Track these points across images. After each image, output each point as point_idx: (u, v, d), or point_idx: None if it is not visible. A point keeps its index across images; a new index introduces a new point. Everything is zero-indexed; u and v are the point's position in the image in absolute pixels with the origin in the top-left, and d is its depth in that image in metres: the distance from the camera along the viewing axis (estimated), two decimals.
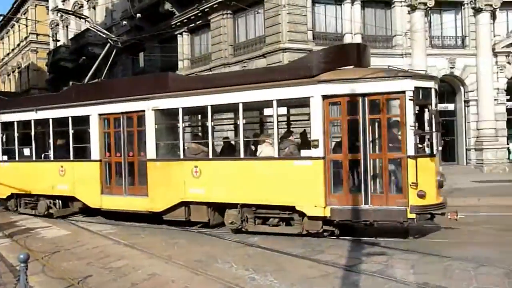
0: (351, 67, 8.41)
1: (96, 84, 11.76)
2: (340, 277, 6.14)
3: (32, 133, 12.01)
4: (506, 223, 9.53)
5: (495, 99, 20.57)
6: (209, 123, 9.29)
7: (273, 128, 8.77)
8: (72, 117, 11.22)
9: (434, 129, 7.84)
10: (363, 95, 7.87)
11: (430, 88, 8.03)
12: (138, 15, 23.66)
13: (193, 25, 22.85)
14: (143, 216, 10.34)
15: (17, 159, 12.55)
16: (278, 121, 8.70)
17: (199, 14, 21.79)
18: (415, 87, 7.71)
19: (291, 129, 10.13)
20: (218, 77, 11.25)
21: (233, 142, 10.60)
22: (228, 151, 10.24)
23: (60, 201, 11.82)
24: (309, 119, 8.29)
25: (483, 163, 19.95)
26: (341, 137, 8.21)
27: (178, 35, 23.58)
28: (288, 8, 18.10)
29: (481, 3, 20.14)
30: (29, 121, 12.09)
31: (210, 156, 9.30)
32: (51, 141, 11.76)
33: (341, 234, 8.41)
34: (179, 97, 9.58)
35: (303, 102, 8.58)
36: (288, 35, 18.26)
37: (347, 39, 19.39)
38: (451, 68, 20.56)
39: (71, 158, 11.25)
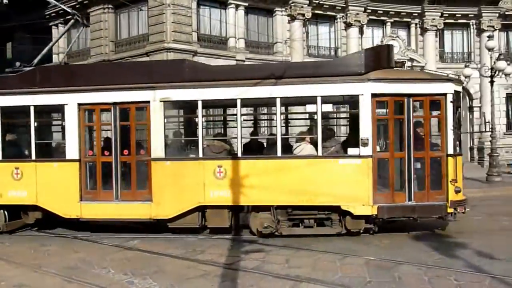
0: (386, 68, 8.49)
1: (74, 67, 10.13)
2: (219, 276, 6.30)
3: None
4: None
5: None
6: (238, 118, 8.53)
7: (314, 126, 8.50)
8: (36, 106, 8.98)
9: (461, 130, 8.37)
10: (409, 95, 8.11)
11: (460, 92, 8.63)
12: (5, 0, 21.37)
13: (69, 17, 21.33)
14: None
15: None
16: (322, 118, 8.36)
17: (77, 6, 20.45)
18: (454, 90, 8.22)
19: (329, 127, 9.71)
20: (249, 68, 10.30)
21: (257, 140, 9.67)
22: (253, 149, 9.08)
23: (6, 212, 9.33)
24: (351, 117, 8.49)
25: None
26: (386, 136, 8.38)
27: (53, 27, 21.87)
28: (172, 8, 17.96)
29: (351, 18, 22.19)
30: None
31: (239, 154, 8.43)
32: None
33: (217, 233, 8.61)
34: (199, 88, 8.49)
35: (350, 100, 8.45)
36: (173, 35, 18.11)
37: (231, 43, 19.90)
38: None
39: (33, 157, 9.02)
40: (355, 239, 8.26)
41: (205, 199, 8.36)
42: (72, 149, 8.80)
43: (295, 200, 8.18)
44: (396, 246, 7.84)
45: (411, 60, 22.93)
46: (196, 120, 8.74)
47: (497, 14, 24.01)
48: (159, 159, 8.51)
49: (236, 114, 8.62)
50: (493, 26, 23.90)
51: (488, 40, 18.44)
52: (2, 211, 9.28)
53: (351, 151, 8.27)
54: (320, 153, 8.22)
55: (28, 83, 9.04)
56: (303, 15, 21.23)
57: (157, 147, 8.52)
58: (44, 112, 9.67)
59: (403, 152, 8.17)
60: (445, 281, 5.85)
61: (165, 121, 8.61)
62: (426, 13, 23.32)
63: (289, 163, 8.34)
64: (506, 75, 17.37)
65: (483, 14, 23.91)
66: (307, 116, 10.26)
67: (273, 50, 21.24)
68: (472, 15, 24.14)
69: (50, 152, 9.63)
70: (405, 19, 23.70)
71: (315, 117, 8.37)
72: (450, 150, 8.17)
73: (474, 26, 24.43)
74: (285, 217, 8.36)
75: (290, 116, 10.17)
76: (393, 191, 8.14)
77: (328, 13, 22.40)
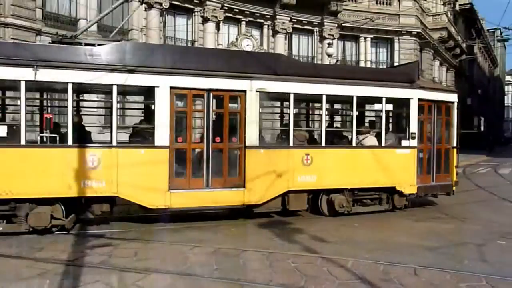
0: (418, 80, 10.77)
1: (166, 47, 10.02)
2: (61, 273, 5.88)
3: (23, 102, 7.55)
4: None
5: None
6: (323, 112, 9.51)
7: (378, 121, 10.39)
8: (119, 85, 7.98)
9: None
10: (436, 101, 10.69)
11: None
12: None
13: None
14: None
15: None
16: (386, 116, 10.15)
17: None
18: (457, 98, 11.24)
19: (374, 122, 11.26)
20: (332, 68, 11.79)
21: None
22: (327, 139, 9.69)
23: (63, 206, 7.88)
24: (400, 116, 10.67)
25: None
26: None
27: None
28: None
29: (208, 13, 22.54)
30: (19, 81, 7.48)
31: (323, 143, 9.47)
32: (69, 114, 7.74)
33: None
34: (291, 81, 9.09)
35: (403, 102, 10.29)
36: (12, 9, 16.06)
37: (82, 25, 18.49)
38: None
39: (113, 143, 7.94)
40: (205, 229, 8.52)
41: (294, 184, 9.13)
42: (162, 135, 8.19)
43: (364, 183, 9.77)
44: (242, 234, 8.33)
45: None
46: (287, 111, 9.44)
47: (336, 25, 26.91)
48: (253, 147, 8.79)
49: (321, 108, 9.57)
50: (332, 35, 26.69)
51: (328, 47, 20.56)
52: (58, 205, 7.85)
53: (404, 142, 10.23)
54: (383, 144, 9.97)
55: (114, 59, 7.98)
56: (160, 4, 20.82)
57: (251, 136, 8.77)
58: (129, 92, 9.09)
59: (430, 144, 10.62)
60: (284, 263, 6.42)
61: (260, 111, 8.92)
62: (278, 17, 24.93)
63: (360, 152, 9.98)
64: None
65: (325, 23, 26.55)
66: (370, 113, 11.93)
67: (128, 37, 20.39)
68: (316, 23, 26.60)
69: (133, 136, 8.79)
70: (258, 20, 24.97)
71: (380, 114, 10.13)
72: (455, 144, 11.12)
73: (318, 33, 26.97)
74: (351, 198, 9.76)
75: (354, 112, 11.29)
76: (426, 174, 10.49)
77: (186, 5, 22.39)
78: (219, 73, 8.59)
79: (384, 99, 9.96)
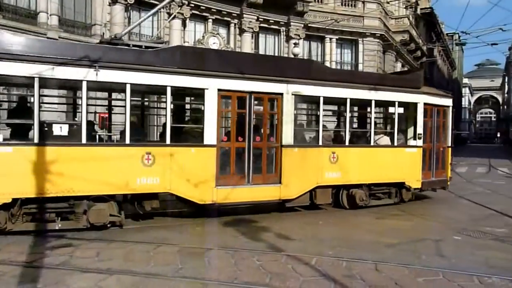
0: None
1: (214, 52, 10.77)
2: (18, 276, 5.68)
3: (84, 102, 7.73)
4: None
5: None
6: (347, 114, 10.49)
7: (391, 123, 11.51)
8: (172, 87, 8.31)
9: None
10: (436, 105, 11.90)
11: None
12: None
13: None
14: None
15: (36, 140, 7.40)
16: (398, 118, 11.08)
17: None
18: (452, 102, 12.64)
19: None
20: (356, 74, 13.56)
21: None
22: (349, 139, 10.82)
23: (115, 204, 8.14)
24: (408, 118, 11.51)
25: None
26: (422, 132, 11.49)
27: None
28: None
29: (175, 10, 22.28)
30: (81, 82, 7.64)
31: (347, 143, 10.49)
32: (126, 114, 8.06)
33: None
34: (321, 86, 9.86)
35: (411, 106, 11.40)
36: None
37: (42, 18, 17.93)
38: None
39: (167, 141, 8.28)
40: (170, 228, 8.45)
41: (322, 180, 9.96)
42: (210, 134, 8.67)
43: (379, 178, 10.82)
44: (207, 233, 8.32)
45: None
46: (318, 113, 10.16)
47: (302, 25, 27.20)
48: (289, 146, 9.48)
49: (345, 110, 10.52)
50: (299, 35, 26.97)
51: (294, 47, 20.74)
52: (113, 202, 8.09)
53: (412, 142, 11.41)
54: (395, 144, 11.07)
55: (165, 61, 8.30)
56: None
57: (287, 135, 9.46)
58: (180, 94, 9.56)
59: (431, 144, 11.83)
60: (249, 261, 6.45)
61: (295, 112, 9.67)
62: (244, 15, 24.97)
63: (377, 150, 11.00)
64: None
65: (291, 23, 26.81)
66: (380, 114, 12.93)
67: (91, 32, 19.91)
68: (283, 23, 26.82)
69: (183, 136, 8.97)
70: (225, 18, 24.95)
71: (393, 116, 11.12)
72: (449, 143, 12.50)
73: (284, 33, 27.18)
74: (368, 192, 10.70)
75: (372, 115, 11.90)
76: (427, 171, 11.64)
77: (152, 1, 22.04)
78: (260, 77, 9.17)
79: (397, 103, 11.04)
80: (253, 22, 25.22)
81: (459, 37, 31.29)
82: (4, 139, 7.50)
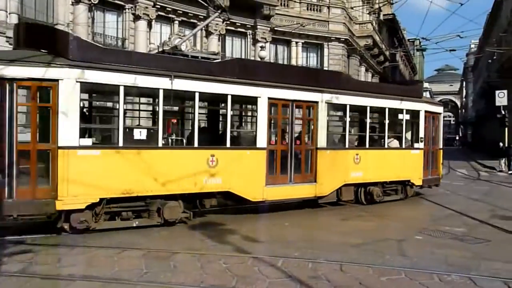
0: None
1: (265, 64, 12.22)
2: None
3: (160, 108, 8.56)
4: None
5: None
6: (367, 120, 11.71)
7: (400, 128, 12.63)
8: (233, 95, 9.26)
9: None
10: (432, 112, 13.60)
11: None
12: None
13: None
14: None
15: (120, 144, 8.10)
16: (406, 124, 12.55)
17: None
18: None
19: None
20: (375, 86, 15.97)
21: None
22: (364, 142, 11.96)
23: (181, 201, 8.92)
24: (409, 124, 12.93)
25: None
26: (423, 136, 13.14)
27: None
28: None
29: (140, 11, 21.97)
30: (158, 90, 8.52)
31: (367, 145, 11.73)
32: (195, 120, 9.11)
33: None
34: (347, 95, 11.13)
35: (415, 113, 12.89)
36: None
37: (1, 17, 17.26)
38: None
39: (227, 144, 9.20)
40: (135, 232, 8.30)
41: (348, 179, 11.25)
42: (261, 138, 9.71)
43: (392, 177, 12.31)
44: (174, 237, 8.21)
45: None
46: (345, 119, 11.36)
47: (269, 28, 27.39)
48: (322, 148, 10.69)
49: (366, 117, 11.71)
50: (265, 38, 27.15)
51: (260, 50, 20.83)
52: (180, 200, 8.84)
53: (416, 145, 12.95)
54: (404, 146, 12.51)
55: (225, 72, 9.25)
56: None
57: (321, 139, 10.66)
58: (238, 101, 10.25)
59: (428, 146, 13.38)
60: (216, 265, 6.42)
61: (327, 119, 10.83)
62: (210, 17, 24.83)
63: (390, 152, 12.39)
64: None
65: (258, 27, 26.93)
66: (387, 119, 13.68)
67: None
68: (250, 26, 26.91)
69: (239, 140, 10.17)
70: (192, 20, 24.72)
71: (402, 122, 12.54)
72: (441, 146, 14.27)
73: (251, 36, 27.28)
74: (382, 189, 12.09)
75: (386, 121, 12.90)
76: (425, 170, 13.15)
77: (117, 1, 21.67)
78: (300, 87, 10.32)
79: (405, 110, 12.58)
80: (219, 24, 25.16)
81: (420, 43, 32.34)
82: (94, 143, 8.27)
